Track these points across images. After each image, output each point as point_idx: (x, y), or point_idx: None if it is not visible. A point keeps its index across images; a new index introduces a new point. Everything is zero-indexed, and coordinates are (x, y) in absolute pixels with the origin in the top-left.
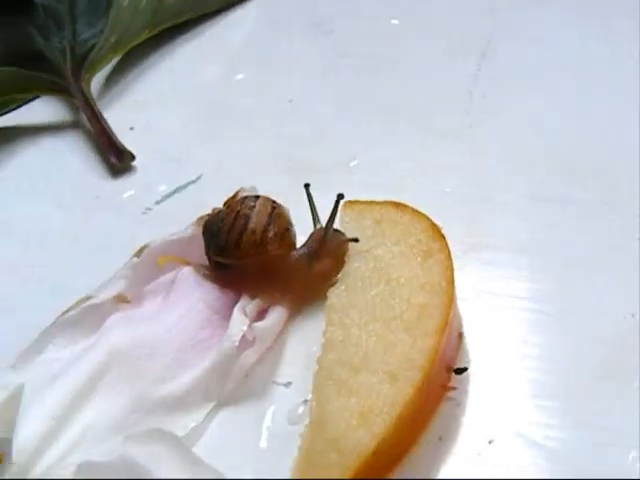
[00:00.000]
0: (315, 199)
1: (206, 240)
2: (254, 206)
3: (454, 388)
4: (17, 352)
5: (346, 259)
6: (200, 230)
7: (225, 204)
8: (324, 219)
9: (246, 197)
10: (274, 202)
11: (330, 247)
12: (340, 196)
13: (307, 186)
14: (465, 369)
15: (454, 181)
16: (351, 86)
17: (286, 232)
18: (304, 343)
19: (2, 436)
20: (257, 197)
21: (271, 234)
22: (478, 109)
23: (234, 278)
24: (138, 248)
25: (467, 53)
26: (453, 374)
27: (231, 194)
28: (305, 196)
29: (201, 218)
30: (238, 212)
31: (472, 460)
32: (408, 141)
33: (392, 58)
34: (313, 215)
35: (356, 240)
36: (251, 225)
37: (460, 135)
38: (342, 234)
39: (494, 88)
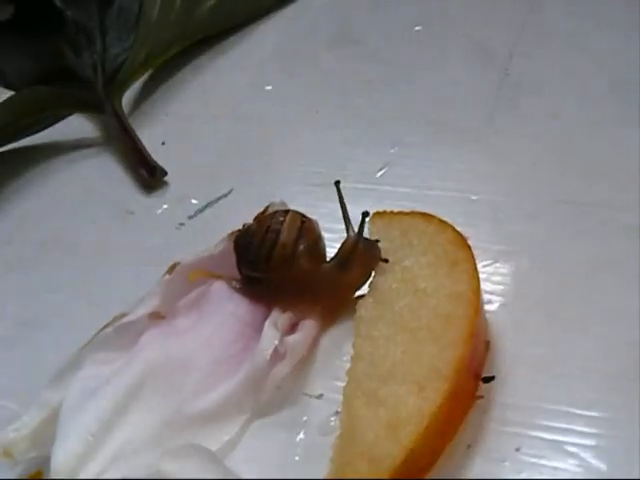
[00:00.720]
0: None
1: (237, 255)
2: (284, 220)
3: (481, 396)
4: (55, 370)
5: (374, 271)
6: (231, 246)
7: (255, 219)
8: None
9: (276, 212)
10: (303, 216)
11: (361, 257)
12: (365, 214)
13: (337, 183)
14: (492, 377)
15: (480, 188)
16: (377, 95)
17: (316, 245)
18: (335, 355)
19: (41, 454)
20: (287, 211)
21: (301, 248)
22: (504, 115)
23: (265, 292)
24: (171, 265)
25: (493, 57)
26: (481, 382)
27: (262, 207)
28: (332, 207)
29: (232, 234)
30: (268, 227)
31: (500, 468)
32: (434, 149)
33: (417, 65)
34: (344, 215)
35: (386, 261)
36: (281, 239)
37: (486, 141)
38: (374, 244)
39: (520, 92)
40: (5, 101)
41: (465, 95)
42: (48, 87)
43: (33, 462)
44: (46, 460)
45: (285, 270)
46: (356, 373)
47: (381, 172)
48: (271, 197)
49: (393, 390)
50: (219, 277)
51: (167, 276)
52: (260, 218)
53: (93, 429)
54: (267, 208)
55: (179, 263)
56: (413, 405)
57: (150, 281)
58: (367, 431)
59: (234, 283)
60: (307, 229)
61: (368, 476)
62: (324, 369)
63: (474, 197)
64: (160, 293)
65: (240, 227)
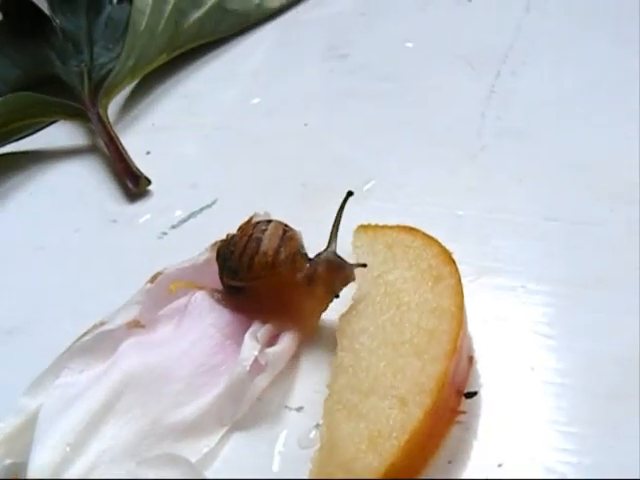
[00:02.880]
0: (328, 223)
1: (219, 264)
2: (266, 229)
3: (464, 412)
4: (32, 377)
5: (358, 284)
6: (214, 255)
7: (239, 229)
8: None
9: (259, 222)
10: (286, 226)
11: (323, 276)
12: (349, 193)
13: (349, 194)
14: (475, 393)
15: (467, 204)
16: (365, 110)
17: (297, 254)
18: (315, 368)
19: (17, 461)
20: (269, 221)
21: (282, 256)
22: (491, 131)
23: (247, 302)
24: (153, 274)
25: (481, 75)
26: (463, 398)
27: (246, 218)
28: (316, 219)
29: (215, 244)
30: (251, 235)
31: None
32: (421, 164)
33: (406, 81)
34: (334, 226)
35: (364, 265)
36: (263, 247)
37: (473, 158)
38: (342, 265)
39: (508, 110)
40: None
41: (453, 111)
42: (33, 93)
43: (9, 470)
44: (22, 468)
45: (266, 278)
46: (338, 386)
47: (367, 186)
48: (255, 208)
49: (375, 404)
50: (201, 288)
51: (148, 285)
52: (243, 227)
53: (70, 438)
54: (251, 218)
55: (161, 272)
56: (395, 419)
57: (131, 290)
58: (348, 444)
59: (216, 294)
60: (289, 238)
61: None
62: (304, 382)
63: (460, 212)
64: (141, 302)
65: (223, 237)
